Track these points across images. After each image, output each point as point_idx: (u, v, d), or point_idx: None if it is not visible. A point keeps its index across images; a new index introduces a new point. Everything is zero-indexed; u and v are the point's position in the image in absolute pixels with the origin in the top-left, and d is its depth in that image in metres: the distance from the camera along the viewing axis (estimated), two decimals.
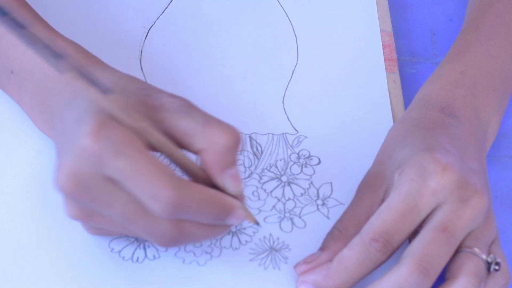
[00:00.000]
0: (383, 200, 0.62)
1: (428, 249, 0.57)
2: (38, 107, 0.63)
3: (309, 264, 0.61)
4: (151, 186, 0.54)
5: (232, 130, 0.57)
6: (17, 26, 0.51)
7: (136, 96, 0.57)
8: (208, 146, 0.56)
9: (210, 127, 0.56)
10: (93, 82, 0.54)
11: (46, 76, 0.62)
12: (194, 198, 0.55)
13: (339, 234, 0.61)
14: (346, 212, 0.62)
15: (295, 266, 0.61)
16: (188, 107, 0.57)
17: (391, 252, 0.58)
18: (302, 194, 0.67)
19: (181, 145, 0.57)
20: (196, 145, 0.57)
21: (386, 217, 0.58)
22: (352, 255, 0.58)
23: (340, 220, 0.62)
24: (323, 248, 0.61)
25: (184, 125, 0.56)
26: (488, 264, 0.59)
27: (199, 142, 0.56)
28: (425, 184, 0.58)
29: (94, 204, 0.56)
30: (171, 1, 0.79)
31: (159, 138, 0.56)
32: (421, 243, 0.58)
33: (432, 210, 0.59)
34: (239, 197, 0.58)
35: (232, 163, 0.57)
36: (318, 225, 0.65)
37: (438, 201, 0.59)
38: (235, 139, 0.56)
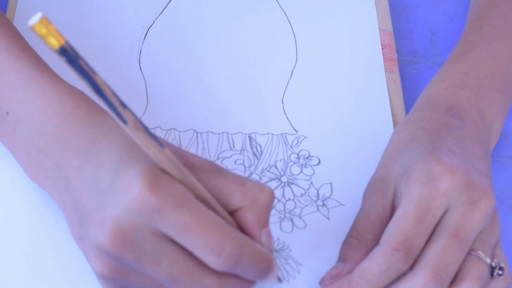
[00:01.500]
0: (392, 203, 0.61)
1: (442, 256, 0.57)
2: (35, 153, 0.60)
3: (334, 277, 0.60)
4: (213, 238, 0.53)
5: (270, 189, 0.57)
6: (88, 73, 0.49)
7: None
8: (248, 204, 0.56)
9: (249, 186, 0.57)
10: (151, 134, 0.53)
11: (48, 121, 0.60)
12: (251, 251, 0.55)
13: (357, 243, 0.61)
14: (359, 219, 0.62)
15: (321, 281, 0.61)
16: (219, 167, 0.57)
17: (413, 259, 0.58)
18: (302, 195, 0.67)
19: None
20: (234, 204, 0.57)
21: (403, 224, 0.58)
22: (374, 266, 0.58)
23: (355, 228, 0.61)
24: (344, 258, 0.60)
25: (219, 184, 0.56)
26: (492, 269, 0.59)
27: (239, 200, 0.56)
28: (436, 186, 0.58)
29: (139, 262, 0.54)
30: (169, 1, 0.79)
31: (206, 194, 0.56)
32: (434, 250, 0.58)
33: (444, 212, 0.59)
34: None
35: (268, 221, 0.58)
36: (318, 225, 0.65)
37: (449, 202, 0.59)
38: (273, 197, 0.57)
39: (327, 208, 0.66)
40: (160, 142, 0.53)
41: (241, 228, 0.57)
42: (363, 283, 0.58)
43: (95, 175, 0.56)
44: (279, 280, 0.62)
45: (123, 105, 0.51)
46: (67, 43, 0.47)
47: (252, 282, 0.58)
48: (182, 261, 0.54)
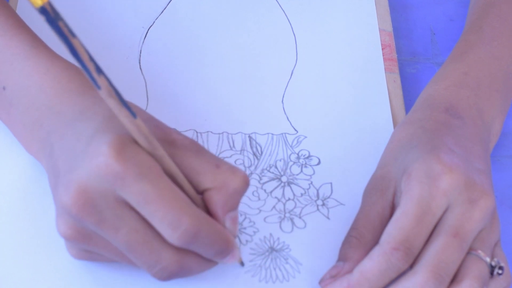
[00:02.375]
0: (392, 203, 0.61)
1: (442, 256, 0.57)
2: (31, 125, 0.62)
3: (334, 277, 0.60)
4: (171, 212, 0.54)
5: (244, 175, 0.57)
6: (66, 35, 0.51)
7: (149, 125, 0.57)
8: (217, 186, 0.57)
9: (222, 169, 0.57)
10: (124, 103, 0.54)
11: (44, 94, 0.62)
12: (209, 229, 0.56)
13: (357, 242, 0.61)
14: (358, 219, 0.62)
15: (321, 281, 0.61)
16: (199, 146, 0.58)
17: (413, 259, 0.58)
18: (302, 194, 0.67)
19: (188, 181, 0.58)
20: (204, 184, 0.57)
21: (403, 224, 0.58)
22: (374, 266, 0.58)
23: (355, 228, 0.61)
24: (344, 258, 0.61)
25: (194, 163, 0.57)
26: (492, 268, 0.59)
27: (209, 181, 0.57)
28: (435, 186, 0.58)
29: (99, 226, 0.55)
30: (170, 1, 0.79)
31: (174, 169, 0.56)
32: (434, 249, 0.58)
33: (444, 211, 0.59)
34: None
35: (236, 206, 0.58)
36: (318, 225, 0.65)
37: (449, 201, 0.59)
38: (245, 184, 0.58)
39: (327, 208, 0.66)
40: (132, 112, 0.54)
41: (208, 209, 0.58)
42: (363, 283, 0.58)
43: (74, 142, 0.57)
44: (242, 264, 0.62)
45: (99, 70, 0.52)
46: (49, 3, 0.49)
47: (212, 262, 0.59)
48: (141, 231, 0.55)
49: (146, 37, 0.76)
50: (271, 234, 0.64)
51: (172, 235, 0.54)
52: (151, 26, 0.77)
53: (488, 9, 0.74)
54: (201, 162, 0.57)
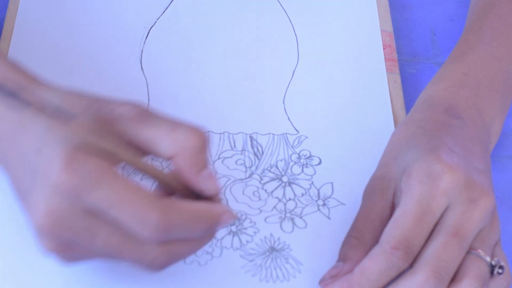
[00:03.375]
0: (392, 203, 0.61)
1: (442, 255, 0.57)
2: None
3: (334, 277, 0.60)
4: (136, 212, 0.53)
5: (198, 131, 0.56)
6: None
7: (89, 113, 0.55)
8: (178, 151, 0.55)
9: (176, 132, 0.56)
10: (54, 112, 0.52)
11: None
12: (181, 217, 0.54)
13: (357, 242, 0.61)
14: (358, 219, 0.62)
15: (321, 281, 0.61)
16: (145, 114, 0.56)
17: (412, 258, 0.58)
18: (303, 194, 0.67)
19: (148, 153, 0.56)
20: (166, 153, 0.56)
21: (403, 223, 0.58)
22: (374, 265, 0.58)
23: (355, 228, 0.62)
24: (343, 258, 0.61)
25: (147, 134, 0.55)
26: (492, 267, 0.59)
27: (168, 148, 0.55)
28: (435, 185, 0.58)
29: (76, 239, 0.54)
30: (171, 1, 0.79)
31: (129, 157, 0.55)
32: (434, 249, 0.58)
33: (444, 210, 0.59)
34: (217, 197, 0.57)
35: (205, 164, 0.56)
36: (319, 225, 0.65)
37: (449, 201, 0.59)
38: (203, 140, 0.56)
39: (328, 208, 0.66)
40: (67, 116, 0.53)
41: (179, 177, 0.56)
42: (363, 282, 0.58)
43: (23, 156, 0.55)
44: (238, 219, 0.62)
45: (11, 93, 0.52)
46: None
47: (207, 237, 0.57)
48: (116, 233, 0.54)
49: (148, 37, 0.76)
50: (271, 234, 0.64)
51: (144, 234, 0.53)
52: (153, 26, 0.77)
53: (488, 9, 0.74)
54: (154, 131, 0.55)
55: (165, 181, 0.56)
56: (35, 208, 0.54)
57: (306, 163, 0.69)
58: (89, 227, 0.53)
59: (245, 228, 0.64)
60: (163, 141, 0.55)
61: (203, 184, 0.56)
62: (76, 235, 0.54)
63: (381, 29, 0.78)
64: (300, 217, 0.66)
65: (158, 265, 0.55)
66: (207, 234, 0.56)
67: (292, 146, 0.70)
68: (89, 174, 0.52)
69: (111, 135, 0.55)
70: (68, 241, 0.55)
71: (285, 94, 0.73)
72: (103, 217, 0.53)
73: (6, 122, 0.56)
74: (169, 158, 0.56)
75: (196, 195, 0.57)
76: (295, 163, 0.69)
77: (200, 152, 0.56)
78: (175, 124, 0.56)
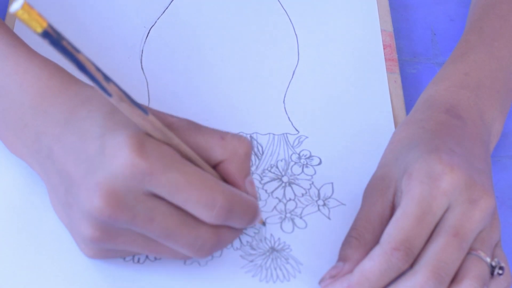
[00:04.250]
0: (392, 203, 0.61)
1: (442, 255, 0.57)
2: (13, 124, 0.62)
3: (334, 277, 0.60)
4: (204, 194, 0.55)
5: (246, 140, 0.59)
6: (71, 52, 0.51)
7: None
8: (229, 157, 0.58)
9: (227, 139, 0.59)
10: (135, 103, 0.55)
11: (24, 92, 0.62)
12: (241, 201, 0.57)
13: (357, 243, 0.61)
14: (358, 219, 0.62)
15: (320, 281, 0.61)
16: (197, 125, 0.59)
17: (413, 259, 0.58)
18: (303, 195, 0.67)
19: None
20: (216, 158, 0.59)
21: (403, 224, 0.58)
22: (374, 266, 0.58)
23: (354, 228, 0.62)
24: (343, 258, 0.61)
25: (199, 141, 0.58)
26: (492, 268, 0.59)
27: (220, 154, 0.59)
28: (436, 186, 0.59)
29: (133, 222, 0.56)
30: (172, 1, 0.79)
31: (190, 152, 0.58)
32: (434, 249, 0.58)
33: (444, 211, 0.59)
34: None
35: (249, 170, 0.60)
36: (319, 225, 0.65)
37: (449, 201, 0.59)
38: (250, 148, 0.59)
39: (328, 208, 0.66)
40: (144, 110, 0.55)
41: (225, 181, 0.59)
42: (363, 283, 0.58)
43: (79, 143, 0.57)
44: (263, 224, 0.64)
45: (107, 78, 0.53)
46: (49, 26, 0.49)
47: (240, 230, 0.60)
48: (175, 214, 0.56)
49: (148, 37, 0.76)
50: (272, 235, 0.65)
51: (209, 215, 0.56)
52: (153, 25, 0.77)
53: (489, 10, 0.74)
54: (205, 138, 0.58)
55: None
56: (96, 188, 0.55)
57: (306, 163, 0.69)
58: (149, 209, 0.56)
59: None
60: (214, 148, 0.58)
61: (248, 189, 0.59)
62: (135, 217, 0.55)
63: (381, 29, 0.78)
64: (300, 217, 0.66)
65: (208, 248, 0.58)
66: (247, 225, 0.59)
67: (292, 146, 0.70)
68: (160, 158, 0.55)
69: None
70: (119, 227, 0.56)
71: (285, 94, 0.73)
72: (163, 200, 0.56)
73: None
74: (217, 164, 0.59)
75: None
76: (295, 163, 0.69)
77: (247, 159, 0.59)
78: (224, 133, 0.59)
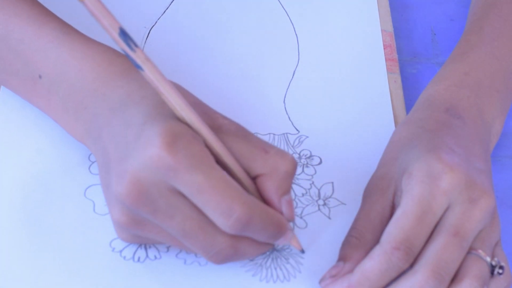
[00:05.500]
0: (392, 203, 0.61)
1: (442, 255, 0.57)
2: (73, 108, 0.63)
3: (334, 277, 0.60)
4: (223, 201, 0.55)
5: (292, 158, 0.58)
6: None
7: (196, 110, 0.58)
8: (269, 172, 0.58)
9: (271, 153, 0.58)
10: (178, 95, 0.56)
11: (84, 77, 0.62)
12: (261, 215, 0.56)
13: (357, 242, 0.61)
14: (358, 218, 0.62)
15: (321, 281, 0.61)
16: (245, 131, 0.59)
17: (413, 258, 0.58)
18: (303, 194, 0.67)
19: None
20: (256, 170, 0.58)
21: (403, 223, 0.58)
22: (374, 265, 0.58)
23: (355, 227, 0.62)
24: (343, 258, 0.61)
25: (243, 149, 0.58)
26: (492, 267, 0.59)
27: (260, 167, 0.58)
28: (436, 185, 0.59)
29: (153, 215, 0.56)
30: (172, 1, 0.79)
31: (227, 154, 0.57)
32: (434, 249, 0.58)
33: (445, 210, 0.59)
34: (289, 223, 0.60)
35: (289, 189, 0.59)
36: (319, 225, 0.65)
37: (450, 201, 0.59)
38: (294, 166, 0.58)
39: (328, 208, 0.66)
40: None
41: (262, 195, 0.58)
42: (363, 282, 0.58)
43: (124, 128, 0.58)
44: (302, 251, 0.63)
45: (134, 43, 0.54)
46: None
47: (267, 245, 0.60)
48: (195, 217, 0.56)
49: (148, 37, 0.76)
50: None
51: (225, 224, 0.55)
52: (153, 26, 0.77)
53: (489, 10, 0.74)
54: (249, 147, 0.58)
55: (246, 189, 0.58)
56: (123, 175, 0.56)
57: (307, 163, 0.69)
58: (170, 206, 0.56)
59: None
60: (256, 159, 0.58)
61: (283, 208, 0.59)
62: (155, 211, 0.56)
63: (381, 29, 0.78)
64: (301, 217, 0.66)
65: (222, 257, 0.58)
66: (270, 241, 0.59)
67: (292, 146, 0.70)
68: (188, 156, 0.55)
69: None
70: (143, 217, 0.57)
71: (285, 94, 0.73)
72: (187, 200, 0.56)
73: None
74: (254, 177, 0.58)
75: None
76: None
77: (288, 177, 0.58)
78: (270, 146, 0.58)
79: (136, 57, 0.55)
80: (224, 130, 0.58)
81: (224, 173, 0.56)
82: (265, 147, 0.58)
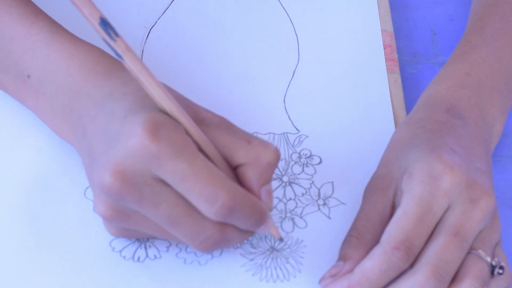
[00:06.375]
0: (392, 202, 0.61)
1: (442, 255, 0.57)
2: (60, 109, 0.63)
3: (334, 277, 0.60)
4: (207, 188, 0.55)
5: (275, 149, 0.59)
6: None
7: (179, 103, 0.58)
8: (251, 161, 0.58)
9: (254, 144, 0.58)
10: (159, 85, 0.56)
11: (71, 78, 0.62)
12: (245, 202, 0.57)
13: (357, 242, 0.61)
14: (358, 218, 0.62)
15: (321, 280, 0.61)
16: (229, 123, 0.59)
17: (413, 258, 0.58)
18: (303, 194, 0.67)
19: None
20: (237, 160, 0.58)
21: (404, 223, 0.58)
22: (374, 265, 0.58)
23: (355, 227, 0.62)
24: (344, 258, 0.61)
25: (226, 140, 0.58)
26: (492, 268, 0.59)
27: (242, 157, 0.58)
28: (437, 185, 0.59)
29: (139, 204, 0.56)
30: (172, 1, 0.79)
31: (208, 143, 0.58)
32: (435, 249, 0.58)
33: (445, 210, 0.59)
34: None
35: (270, 179, 0.59)
36: (319, 225, 0.65)
37: (450, 201, 0.59)
38: (277, 157, 0.59)
39: (328, 208, 0.66)
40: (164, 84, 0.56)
41: (242, 184, 0.59)
42: (363, 282, 0.58)
43: (107, 122, 0.58)
44: (281, 239, 0.63)
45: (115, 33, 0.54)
46: None
47: (248, 232, 0.60)
48: (181, 204, 0.56)
49: (148, 37, 0.76)
50: (272, 234, 0.64)
51: (209, 210, 0.55)
52: (153, 26, 0.77)
53: (490, 10, 0.74)
54: (232, 138, 0.58)
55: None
56: (107, 165, 0.56)
57: (307, 163, 0.69)
58: (155, 194, 0.56)
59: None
60: (238, 150, 0.58)
61: (263, 197, 0.59)
62: (141, 200, 0.56)
63: (381, 29, 0.78)
64: (301, 217, 0.66)
65: (210, 244, 0.58)
66: (252, 228, 0.59)
67: (292, 146, 0.70)
68: (170, 144, 0.55)
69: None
70: (129, 208, 0.57)
71: (285, 94, 0.73)
72: (171, 188, 0.56)
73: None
74: (236, 167, 0.59)
75: None
76: (295, 162, 0.69)
77: (270, 167, 0.59)
78: (253, 137, 0.59)
79: (117, 46, 0.55)
80: (207, 122, 0.58)
81: (207, 161, 0.56)
82: (248, 138, 0.58)
